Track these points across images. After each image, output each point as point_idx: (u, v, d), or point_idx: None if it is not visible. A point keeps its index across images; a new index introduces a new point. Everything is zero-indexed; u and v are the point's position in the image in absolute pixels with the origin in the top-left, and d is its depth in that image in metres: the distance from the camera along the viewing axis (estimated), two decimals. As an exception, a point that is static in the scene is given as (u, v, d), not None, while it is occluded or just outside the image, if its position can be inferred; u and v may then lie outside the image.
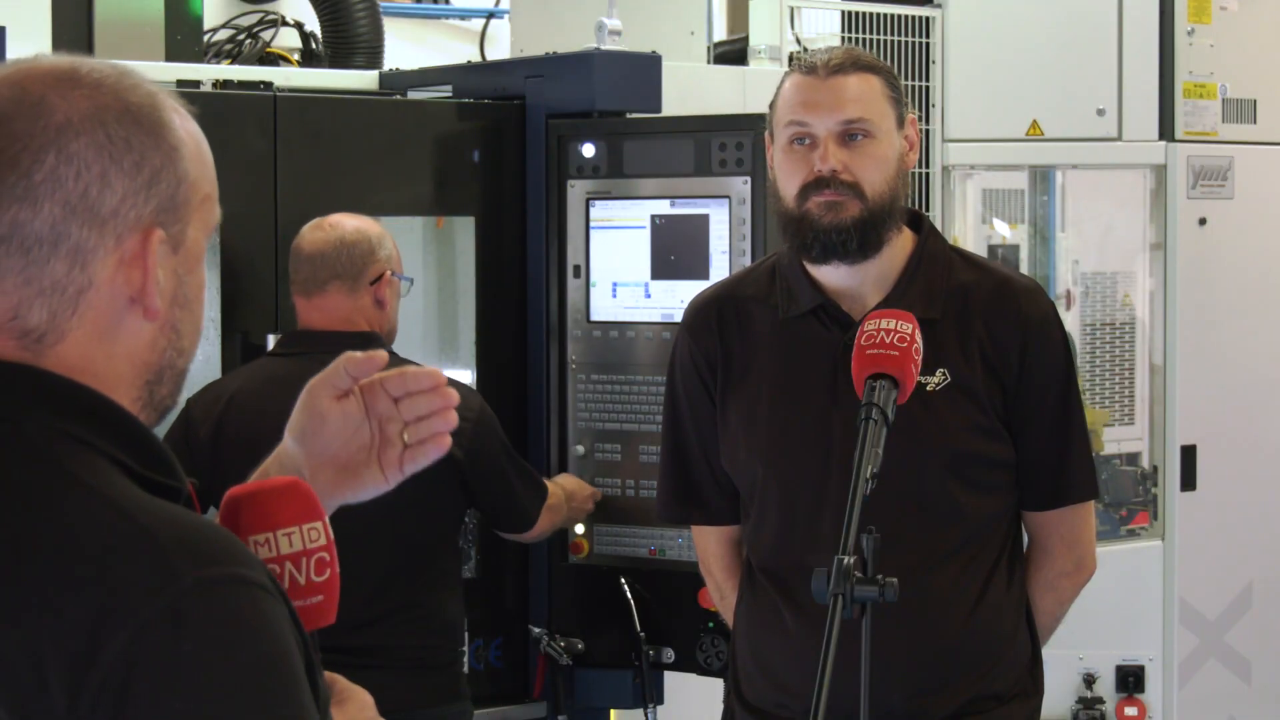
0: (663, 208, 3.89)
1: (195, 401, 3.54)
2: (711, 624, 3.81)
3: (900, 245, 2.81)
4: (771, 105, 2.83)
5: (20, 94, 1.41)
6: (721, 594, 3.02)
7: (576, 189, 4.00)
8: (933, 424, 2.72)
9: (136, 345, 1.45)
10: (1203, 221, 5.06)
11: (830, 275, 2.80)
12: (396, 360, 3.61)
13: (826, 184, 2.72)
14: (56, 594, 1.29)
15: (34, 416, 1.39)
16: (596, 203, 3.98)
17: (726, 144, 3.81)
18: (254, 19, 5.18)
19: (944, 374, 2.74)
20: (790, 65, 2.84)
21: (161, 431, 1.50)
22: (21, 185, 1.39)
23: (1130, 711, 4.94)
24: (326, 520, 1.66)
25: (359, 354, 1.82)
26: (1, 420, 1.39)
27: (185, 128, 1.47)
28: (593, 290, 3.98)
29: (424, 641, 3.58)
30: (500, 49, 5.56)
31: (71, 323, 1.41)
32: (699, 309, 2.94)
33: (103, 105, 1.42)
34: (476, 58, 5.41)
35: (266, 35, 5.14)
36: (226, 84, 3.93)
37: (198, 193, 1.47)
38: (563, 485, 3.90)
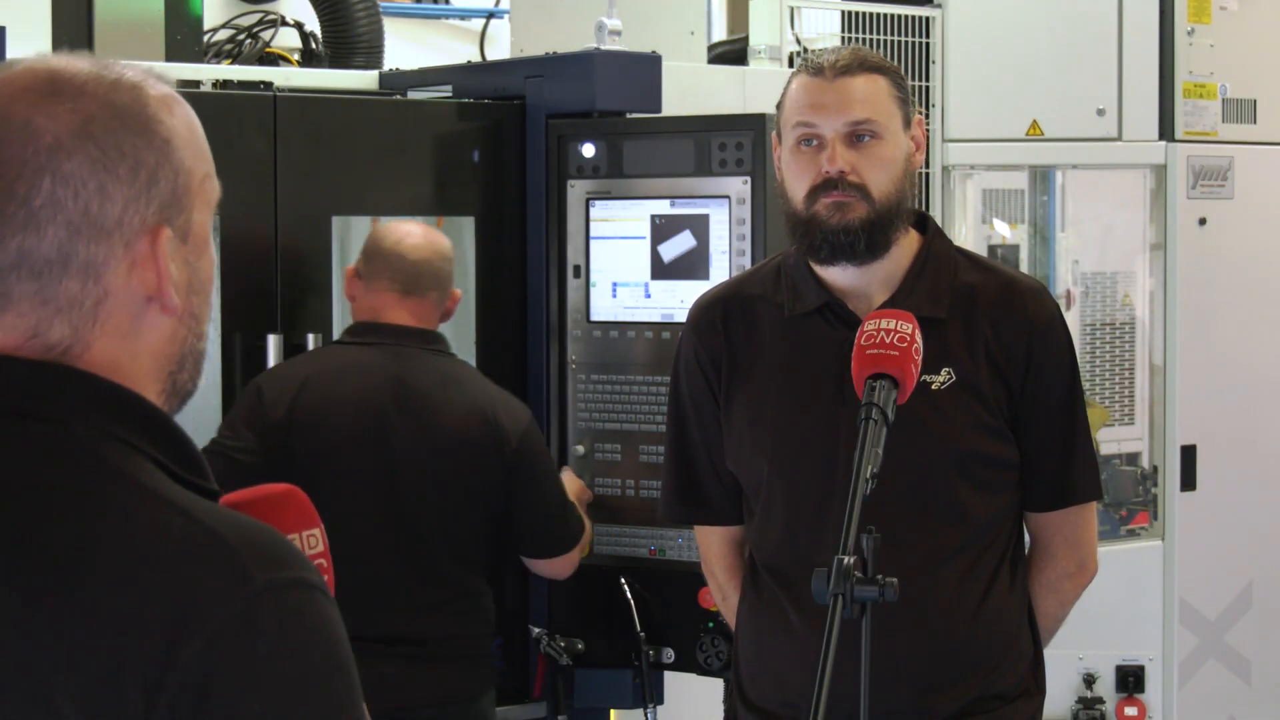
0: (663, 208, 3.89)
1: (267, 384, 3.62)
2: (711, 624, 3.80)
3: (906, 245, 2.81)
4: (778, 106, 2.83)
5: (4, 118, 1.38)
6: (724, 595, 3.01)
7: (576, 189, 3.99)
8: (939, 422, 2.71)
9: (158, 340, 1.44)
10: (1203, 221, 5.06)
11: (837, 275, 2.80)
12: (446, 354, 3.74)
13: (834, 185, 2.72)
14: (129, 597, 1.29)
15: (83, 419, 1.38)
16: (596, 203, 3.97)
17: (726, 144, 3.80)
18: (254, 19, 5.18)
19: (949, 373, 2.74)
20: (797, 66, 2.84)
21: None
22: (22, 214, 1.37)
23: (1130, 711, 4.94)
24: (323, 528, 1.66)
25: None
26: (51, 422, 1.38)
27: (175, 114, 1.44)
28: (593, 290, 3.98)
29: (480, 631, 3.69)
30: (500, 49, 5.55)
31: (94, 333, 1.40)
32: (704, 308, 2.94)
33: (89, 116, 1.39)
34: (476, 58, 5.41)
35: (266, 35, 5.14)
36: (226, 84, 3.92)
37: (196, 178, 1.45)
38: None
